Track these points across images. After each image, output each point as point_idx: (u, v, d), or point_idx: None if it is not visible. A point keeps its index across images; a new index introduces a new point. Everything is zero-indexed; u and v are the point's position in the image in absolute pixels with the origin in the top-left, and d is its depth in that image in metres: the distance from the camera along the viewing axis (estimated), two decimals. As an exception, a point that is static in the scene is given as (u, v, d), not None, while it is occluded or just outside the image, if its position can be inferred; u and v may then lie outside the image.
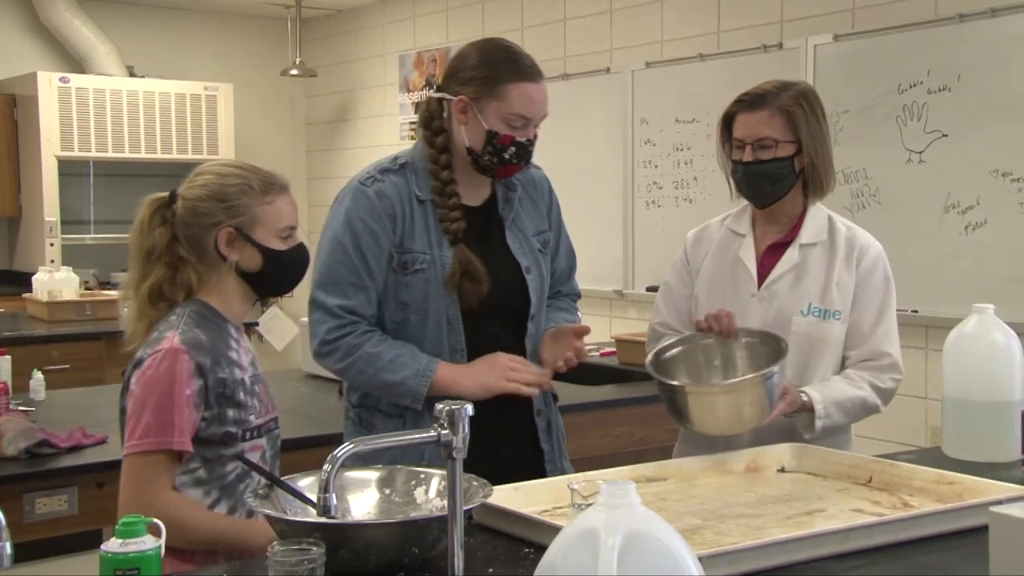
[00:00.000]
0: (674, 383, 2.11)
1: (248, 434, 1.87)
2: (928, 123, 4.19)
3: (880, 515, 1.76)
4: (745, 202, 2.38)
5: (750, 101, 2.25)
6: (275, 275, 1.92)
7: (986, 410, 2.20)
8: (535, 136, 2.16)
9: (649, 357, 2.20)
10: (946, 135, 4.14)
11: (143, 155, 6.80)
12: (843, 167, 4.42)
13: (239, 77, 7.33)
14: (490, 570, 1.56)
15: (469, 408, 1.36)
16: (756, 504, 1.88)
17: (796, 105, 2.23)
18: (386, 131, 7.03)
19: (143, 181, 7.32)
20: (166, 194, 1.92)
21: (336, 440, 2.21)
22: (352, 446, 1.36)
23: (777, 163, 2.23)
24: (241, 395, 1.86)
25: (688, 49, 5.11)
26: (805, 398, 2.16)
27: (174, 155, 6.87)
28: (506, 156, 2.12)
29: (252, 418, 1.88)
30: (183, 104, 6.90)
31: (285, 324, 6.85)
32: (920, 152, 4.21)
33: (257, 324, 6.52)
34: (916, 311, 4.15)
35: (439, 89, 2.18)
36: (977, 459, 2.17)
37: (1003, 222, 3.97)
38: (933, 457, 2.22)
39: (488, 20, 6.23)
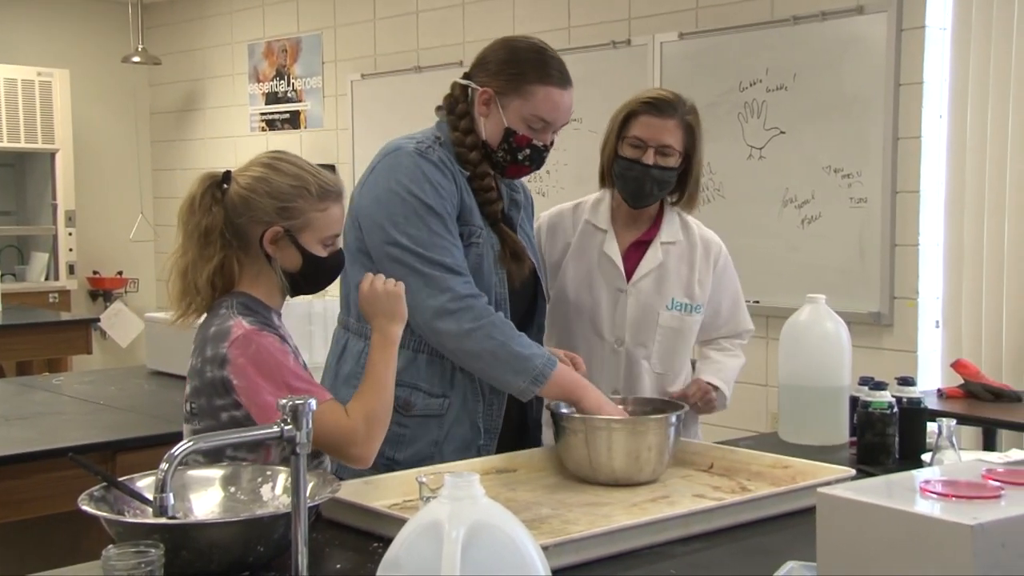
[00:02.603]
0: (574, 415, 2.01)
1: None
2: (767, 120, 4.36)
3: (720, 500, 1.83)
4: (599, 193, 2.46)
5: (660, 105, 2.30)
6: (310, 279, 1.88)
7: (818, 395, 2.30)
8: (551, 143, 2.15)
9: (550, 403, 2.12)
10: (784, 132, 4.31)
11: (-30, 143, 6.45)
12: (688, 162, 4.55)
13: (76, 63, 7.01)
14: (337, 566, 1.55)
15: (312, 403, 1.34)
16: (603, 492, 1.92)
17: (695, 120, 2.34)
18: (235, 121, 6.86)
19: (-28, 170, 6.98)
20: (219, 172, 1.86)
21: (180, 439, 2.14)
22: (191, 444, 1.32)
23: (671, 172, 2.34)
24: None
25: (539, 44, 5.16)
26: (715, 392, 2.37)
27: (4, 143, 6.52)
28: (520, 157, 2.12)
29: None
30: (13, 90, 6.57)
31: (129, 320, 6.65)
32: (760, 148, 4.37)
33: (99, 320, 6.31)
34: (758, 301, 4.31)
35: (466, 76, 2.16)
36: (810, 443, 2.27)
37: (835, 215, 4.16)
38: (771, 442, 2.31)
39: (340, 11, 6.15)
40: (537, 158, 2.14)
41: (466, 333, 2.01)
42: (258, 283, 1.87)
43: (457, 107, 2.15)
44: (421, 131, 2.17)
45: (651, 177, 2.32)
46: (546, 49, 2.14)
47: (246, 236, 1.84)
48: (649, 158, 2.30)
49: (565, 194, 5.02)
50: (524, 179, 2.33)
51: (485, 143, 2.12)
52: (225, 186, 1.85)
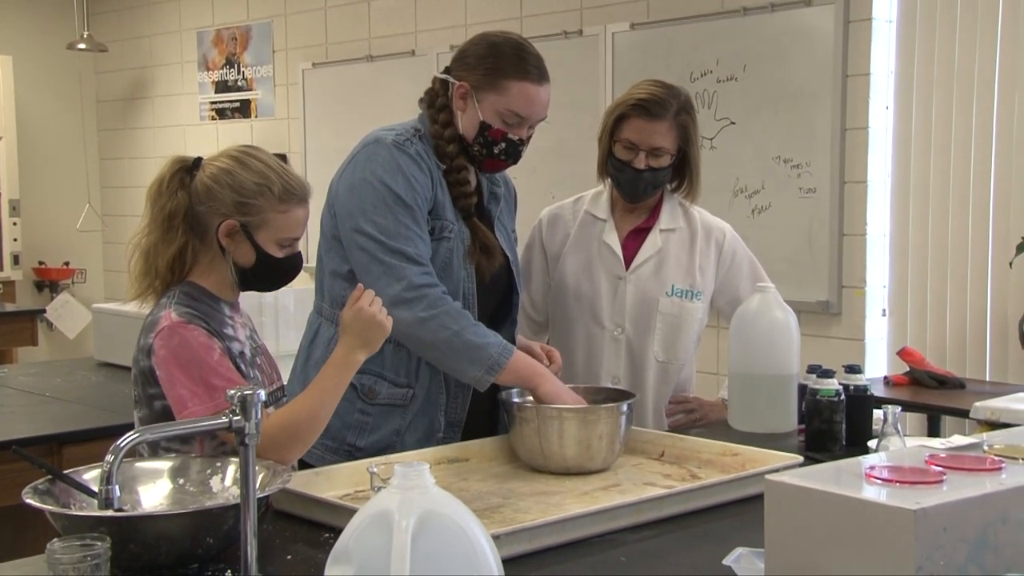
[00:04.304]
0: (526, 404, 2.02)
1: None
2: (718, 111, 4.38)
3: (670, 487, 1.84)
4: (599, 186, 2.51)
5: (650, 109, 2.32)
6: (262, 277, 1.87)
7: (767, 383, 2.32)
8: (528, 137, 2.16)
9: (503, 393, 2.12)
10: (734, 123, 4.34)
11: (-90, 131, 6.30)
12: (640, 152, 4.56)
13: (19, 49, 6.88)
14: (288, 557, 1.54)
15: (262, 394, 1.33)
16: (554, 481, 1.93)
17: (689, 118, 2.36)
18: (185, 110, 6.77)
19: (-88, 159, 6.80)
20: (191, 157, 1.85)
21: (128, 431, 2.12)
22: (137, 435, 1.31)
23: (664, 171, 2.38)
24: (243, 367, 1.82)
25: (491, 34, 5.14)
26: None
27: (-54, 131, 6.40)
28: (495, 151, 2.12)
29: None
30: (-46, 77, 6.44)
31: (77, 311, 6.56)
32: (711, 139, 4.40)
33: (45, 311, 6.20)
34: (708, 291, 4.35)
35: (446, 70, 2.18)
36: (760, 430, 2.30)
37: (784, 206, 4.20)
38: (721, 430, 2.33)
39: (290, -2, 6.09)
40: (513, 152, 2.15)
41: (420, 322, 2.00)
42: (211, 273, 1.86)
43: (437, 101, 2.17)
44: (402, 123, 2.18)
45: (643, 180, 2.37)
46: (524, 45, 2.15)
47: (204, 225, 1.83)
48: (640, 162, 2.34)
49: (517, 184, 4.98)
50: (506, 175, 2.34)
51: (462, 137, 2.13)
52: (194, 172, 1.85)
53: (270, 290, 1.94)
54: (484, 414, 2.20)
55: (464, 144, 2.14)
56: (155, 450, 1.78)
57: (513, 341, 2.26)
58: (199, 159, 1.86)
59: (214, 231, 1.82)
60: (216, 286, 1.86)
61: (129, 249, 1.88)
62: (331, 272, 2.13)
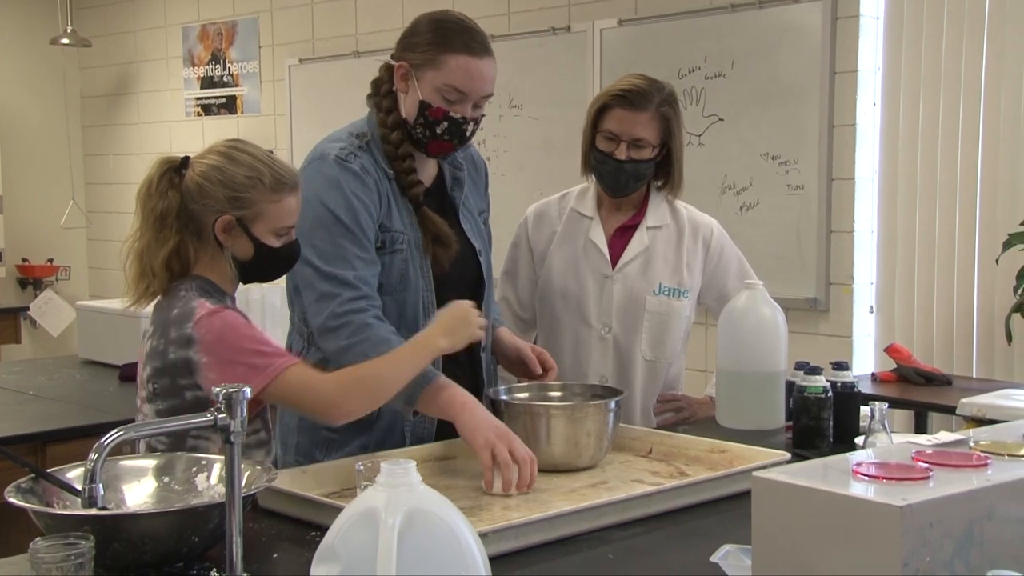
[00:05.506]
0: (513, 400, 2.00)
1: None
2: (706, 107, 4.38)
3: (658, 484, 1.84)
4: (584, 183, 2.50)
5: (632, 99, 2.30)
6: (262, 269, 1.89)
7: (755, 381, 2.32)
8: (478, 117, 2.07)
9: (490, 390, 2.09)
10: (722, 119, 4.34)
11: None
12: (627, 149, 4.56)
13: (1, 44, 6.83)
14: (275, 555, 1.53)
15: (247, 391, 1.32)
16: (542, 478, 1.92)
17: (672, 111, 2.35)
18: (170, 106, 6.74)
19: None
20: (178, 157, 1.86)
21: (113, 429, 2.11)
22: (121, 433, 1.29)
23: (646, 163, 2.36)
24: None
25: (479, 30, 5.13)
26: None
27: (-72, 128, 6.36)
28: (438, 131, 2.03)
29: None
30: (-62, 72, 6.39)
31: (61, 308, 6.53)
32: (699, 135, 4.40)
33: (28, 309, 6.17)
34: (695, 288, 4.34)
35: (392, 56, 2.13)
36: (747, 427, 2.29)
37: (772, 202, 4.21)
38: (709, 427, 2.33)
39: (276, -7, 6.06)
40: (456, 131, 2.05)
41: (343, 350, 1.93)
42: (212, 269, 1.88)
43: (382, 88, 2.12)
44: (350, 124, 2.13)
45: (625, 171, 2.34)
46: (463, 20, 2.08)
47: (200, 223, 1.85)
48: (622, 153, 2.32)
49: (505, 180, 5.00)
50: (473, 150, 2.28)
51: (405, 120, 2.06)
52: (183, 171, 1.85)
53: (270, 280, 1.96)
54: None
55: (408, 128, 2.07)
56: (182, 443, 1.77)
57: (484, 350, 2.20)
58: (186, 158, 1.87)
59: (210, 228, 1.84)
60: (219, 281, 1.89)
61: (123, 251, 1.89)
62: (294, 287, 2.09)
